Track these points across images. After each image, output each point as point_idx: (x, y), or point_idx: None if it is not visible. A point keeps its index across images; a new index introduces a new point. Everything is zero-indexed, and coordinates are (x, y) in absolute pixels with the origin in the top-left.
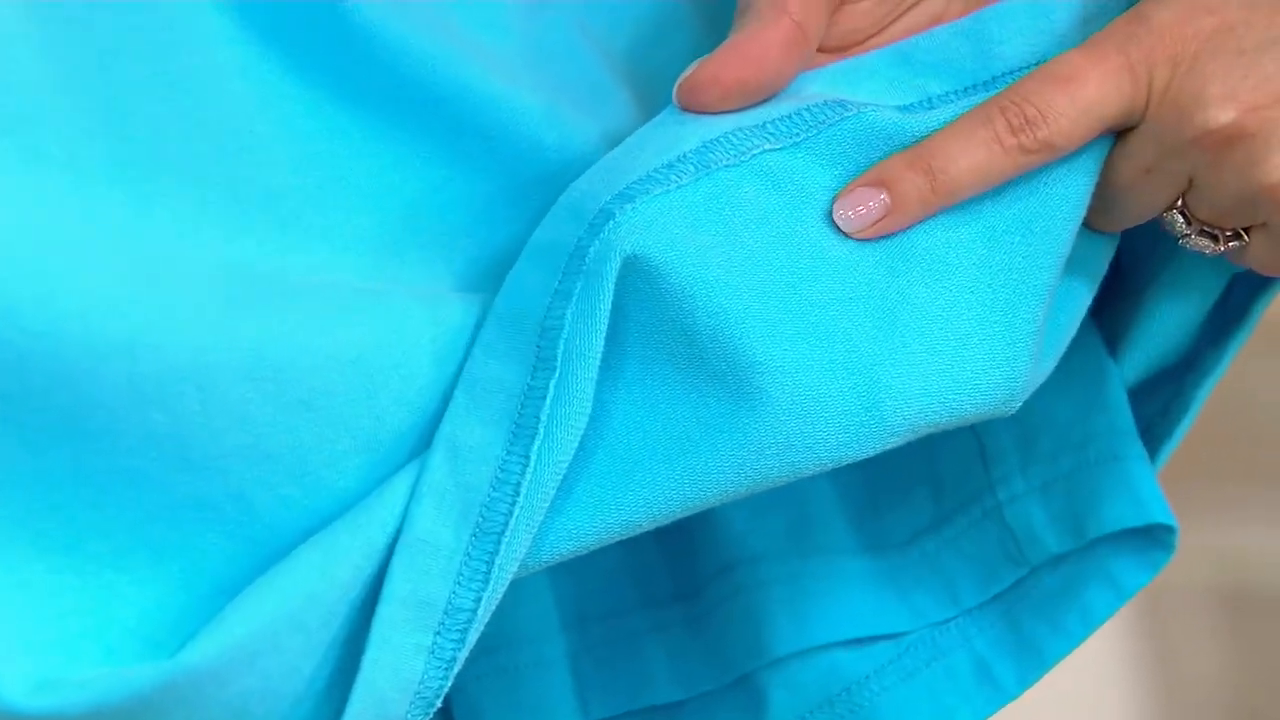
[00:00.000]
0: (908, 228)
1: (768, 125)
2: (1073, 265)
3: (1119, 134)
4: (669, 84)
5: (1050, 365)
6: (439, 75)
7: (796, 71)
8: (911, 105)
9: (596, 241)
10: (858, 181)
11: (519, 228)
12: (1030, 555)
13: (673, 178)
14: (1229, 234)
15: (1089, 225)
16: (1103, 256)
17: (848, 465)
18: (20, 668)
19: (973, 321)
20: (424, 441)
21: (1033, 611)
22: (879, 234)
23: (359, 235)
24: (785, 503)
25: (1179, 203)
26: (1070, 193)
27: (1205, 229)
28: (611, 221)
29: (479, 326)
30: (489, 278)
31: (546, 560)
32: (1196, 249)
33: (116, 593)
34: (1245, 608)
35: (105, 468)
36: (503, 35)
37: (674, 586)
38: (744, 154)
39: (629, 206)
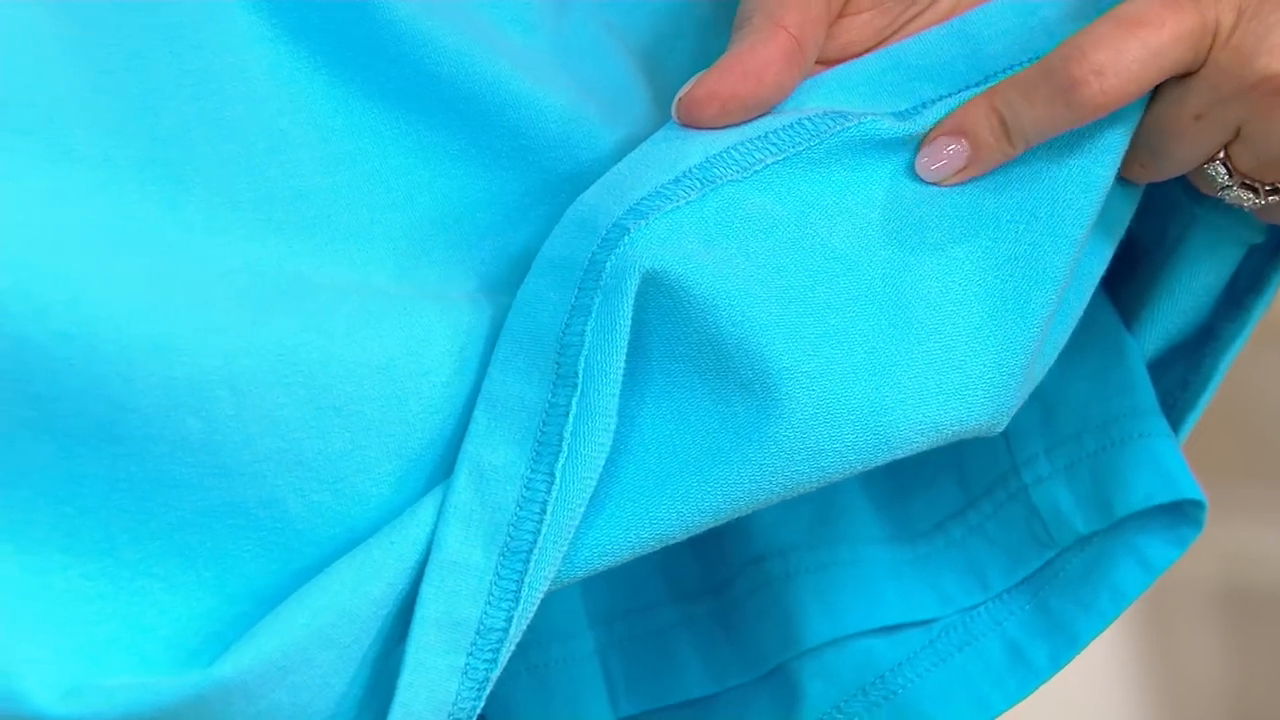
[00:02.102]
0: (986, 173)
1: (769, 136)
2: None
3: (1169, 81)
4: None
5: (1059, 344)
6: (468, 72)
7: (795, 85)
8: (906, 111)
9: (613, 257)
10: (937, 130)
11: (548, 228)
12: (1058, 537)
13: (680, 193)
14: (1269, 187)
15: (1124, 178)
16: (1118, 224)
17: None
18: (50, 674)
19: (984, 313)
20: (454, 449)
21: (1062, 593)
22: (961, 181)
23: (388, 235)
24: (811, 496)
25: (1222, 154)
26: (1088, 177)
27: (1246, 181)
28: (627, 237)
29: None
30: (518, 279)
31: (580, 574)
32: (1235, 202)
33: (149, 600)
34: (1249, 607)
35: (138, 473)
36: (530, 33)
37: (703, 579)
38: (748, 168)
39: (642, 223)
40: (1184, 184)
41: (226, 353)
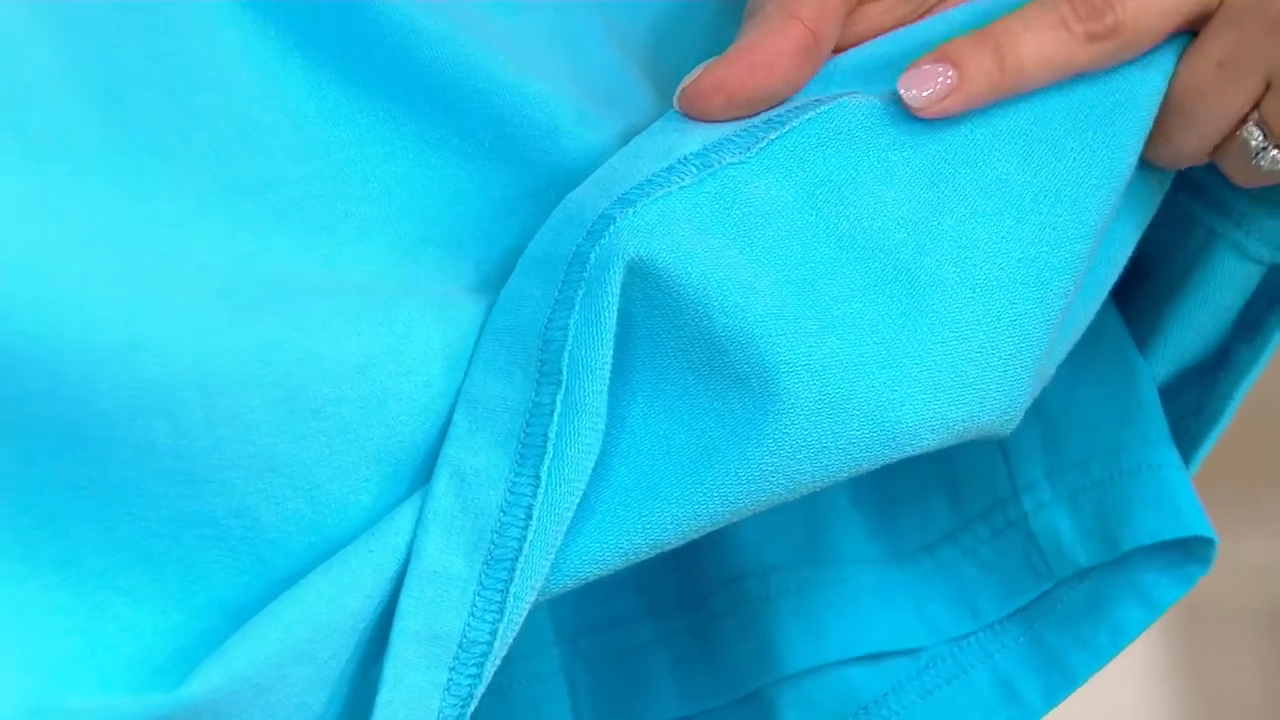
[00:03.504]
0: (974, 108)
1: (773, 119)
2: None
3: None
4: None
5: (1069, 343)
6: (450, 57)
7: (807, 80)
8: None
9: (597, 248)
10: (924, 59)
11: (536, 223)
12: (1056, 568)
13: (674, 179)
14: None
15: (1148, 160)
16: (1138, 219)
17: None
18: (14, 688)
19: (1004, 300)
20: (437, 452)
21: (1058, 627)
22: (943, 113)
23: (363, 228)
24: (795, 509)
25: (1254, 114)
26: (1114, 152)
27: None
28: (612, 227)
29: None
30: (503, 277)
31: (569, 583)
32: (1273, 170)
33: (113, 614)
34: None
35: (102, 479)
36: (523, 19)
37: (679, 595)
38: (749, 147)
39: (629, 211)
40: (1202, 193)
41: (197, 353)
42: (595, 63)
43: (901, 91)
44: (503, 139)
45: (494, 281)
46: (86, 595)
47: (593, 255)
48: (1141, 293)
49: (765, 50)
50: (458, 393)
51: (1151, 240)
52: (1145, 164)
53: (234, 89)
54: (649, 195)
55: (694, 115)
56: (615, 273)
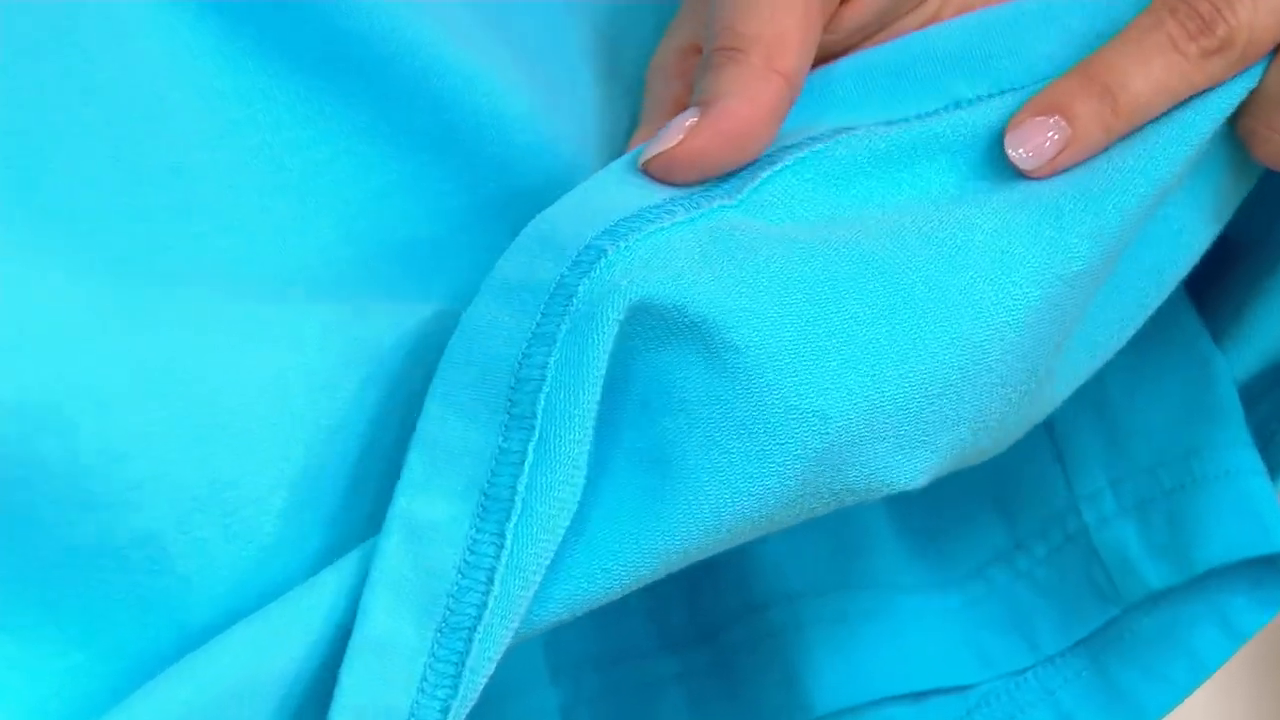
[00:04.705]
0: (1087, 159)
1: (772, 156)
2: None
3: None
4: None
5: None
6: (387, 32)
7: (781, 123)
8: (940, 109)
9: (586, 281)
10: (1026, 111)
11: (472, 223)
12: (1124, 590)
13: (664, 215)
14: None
15: (1254, 155)
16: (1220, 209)
17: None
18: None
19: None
20: (361, 481)
21: (1128, 659)
22: (1056, 170)
23: (276, 224)
24: (826, 527)
25: None
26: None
27: None
28: (604, 259)
29: (439, 344)
30: (432, 283)
31: (535, 630)
32: None
33: (2, 658)
34: None
35: None
36: None
37: (694, 625)
38: (740, 188)
39: (622, 243)
40: None
41: (89, 364)
42: (549, 45)
43: (1010, 152)
44: (440, 126)
45: (425, 290)
46: None
47: (581, 288)
48: (1221, 279)
49: (741, 117)
50: (379, 412)
51: (1237, 228)
52: (1231, 158)
53: (137, 62)
54: (640, 230)
55: (664, 180)
56: (613, 310)
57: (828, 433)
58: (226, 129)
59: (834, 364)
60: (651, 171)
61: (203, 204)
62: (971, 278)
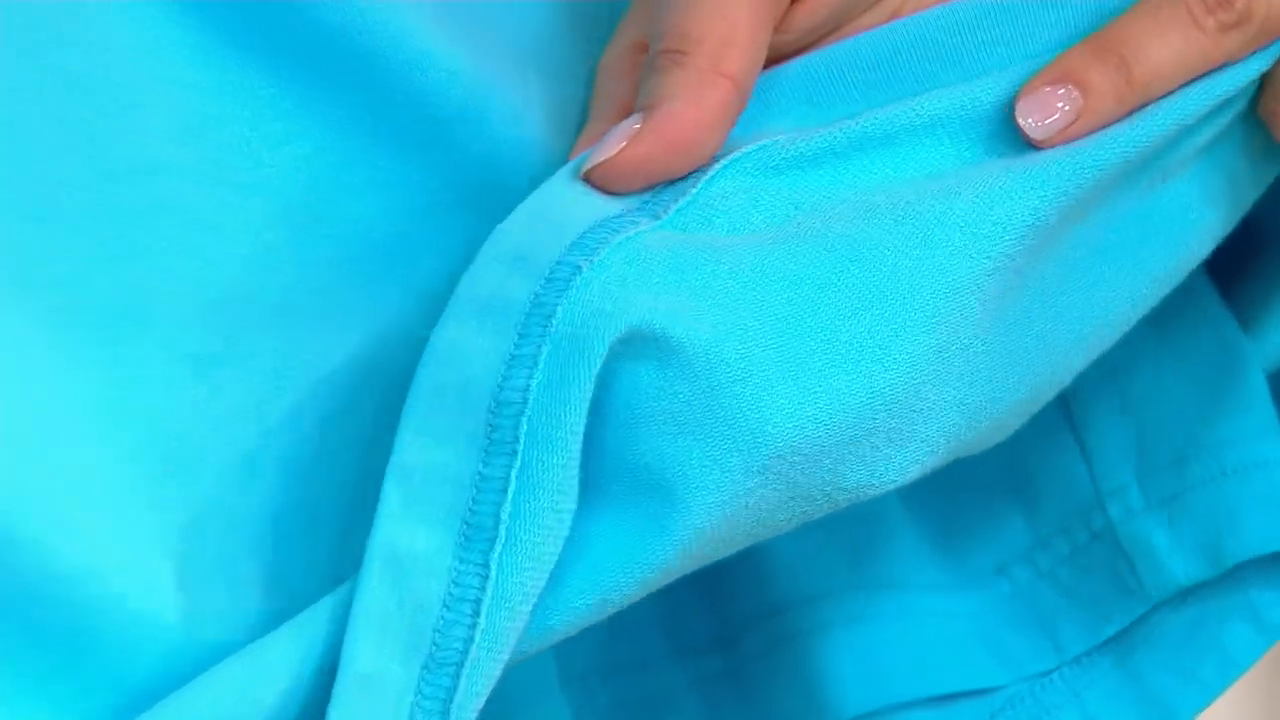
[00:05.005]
0: (1100, 130)
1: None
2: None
3: None
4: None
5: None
6: (370, 26)
7: (730, 128)
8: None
9: (565, 301)
10: (1039, 79)
11: (460, 228)
12: (1152, 588)
13: (629, 225)
14: None
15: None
16: (1244, 190)
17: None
18: None
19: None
20: (330, 518)
21: (1157, 658)
22: (1068, 140)
23: (248, 224)
24: (841, 527)
25: None
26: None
27: None
28: (579, 276)
29: (391, 369)
30: (418, 288)
31: (530, 651)
32: None
33: None
34: None
35: None
36: None
37: (708, 631)
38: (690, 189)
39: (595, 258)
40: None
41: (41, 396)
42: (530, 43)
43: (1019, 120)
44: (423, 121)
45: (407, 293)
46: None
47: (560, 309)
48: (1248, 270)
49: (686, 122)
50: (350, 453)
51: (1263, 213)
52: (1252, 142)
53: (109, 53)
54: (607, 242)
55: (607, 190)
56: (600, 344)
57: (818, 436)
58: (200, 124)
59: (819, 364)
60: (594, 181)
61: (173, 203)
62: (945, 253)
